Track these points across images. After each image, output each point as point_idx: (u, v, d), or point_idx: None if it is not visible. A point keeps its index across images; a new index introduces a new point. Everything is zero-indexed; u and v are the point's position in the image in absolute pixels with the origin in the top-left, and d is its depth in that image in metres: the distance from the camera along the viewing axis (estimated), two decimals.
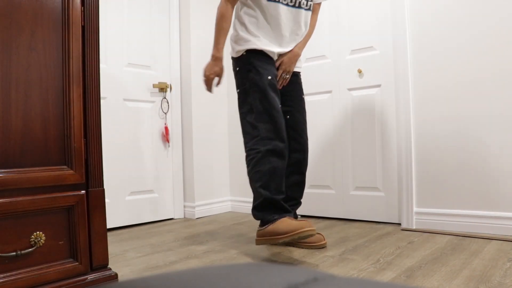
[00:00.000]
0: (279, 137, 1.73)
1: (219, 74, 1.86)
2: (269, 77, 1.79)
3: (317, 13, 2.01)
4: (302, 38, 1.92)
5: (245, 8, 1.84)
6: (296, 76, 1.96)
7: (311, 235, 1.57)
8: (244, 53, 1.83)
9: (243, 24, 1.84)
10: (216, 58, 1.85)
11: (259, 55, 1.83)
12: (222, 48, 1.85)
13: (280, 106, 1.78)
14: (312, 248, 1.85)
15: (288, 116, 1.90)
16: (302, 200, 2.01)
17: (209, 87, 1.88)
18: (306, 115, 1.96)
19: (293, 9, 1.84)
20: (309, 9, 1.88)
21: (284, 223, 1.62)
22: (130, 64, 2.62)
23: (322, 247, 1.87)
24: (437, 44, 2.16)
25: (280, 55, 1.88)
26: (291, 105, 1.92)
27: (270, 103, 1.74)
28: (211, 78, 1.85)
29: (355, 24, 2.50)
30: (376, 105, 2.42)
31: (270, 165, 1.71)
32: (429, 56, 2.19)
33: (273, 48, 1.84)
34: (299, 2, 1.84)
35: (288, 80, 1.91)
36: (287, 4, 1.82)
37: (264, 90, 1.76)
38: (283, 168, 1.74)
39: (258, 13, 1.83)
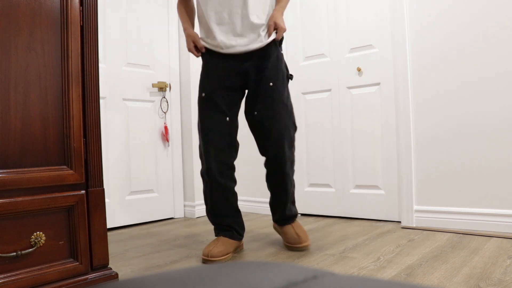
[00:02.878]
0: (205, 160, 1.71)
1: (192, 43, 1.77)
2: (203, 94, 1.71)
3: None
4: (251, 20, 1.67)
5: None
6: (262, 59, 1.70)
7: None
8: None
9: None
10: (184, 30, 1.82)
11: (205, 55, 1.76)
12: (183, 23, 1.81)
13: (222, 119, 1.69)
14: (292, 250, 1.82)
15: (256, 112, 1.71)
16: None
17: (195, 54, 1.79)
18: (278, 103, 1.69)
19: None
20: None
21: (208, 245, 1.71)
22: (129, 64, 2.62)
23: (300, 249, 1.80)
24: (436, 41, 2.16)
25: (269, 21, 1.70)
26: (257, 99, 1.71)
27: (203, 123, 1.70)
28: (191, 50, 1.78)
29: (354, 22, 2.49)
30: (375, 103, 2.42)
31: (203, 187, 1.79)
32: (429, 54, 2.19)
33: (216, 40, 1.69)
34: None
35: (281, 33, 1.71)
36: None
37: (199, 110, 1.73)
38: (213, 189, 1.72)
39: None
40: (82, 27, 1.27)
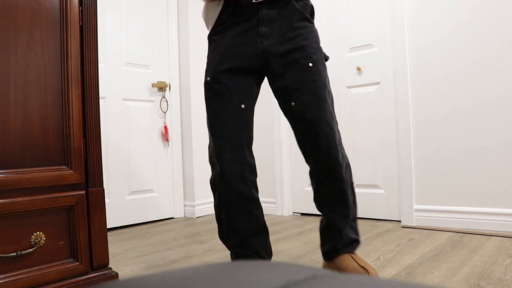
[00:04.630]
0: (218, 163, 1.27)
1: None
2: (208, 78, 1.31)
3: None
4: None
5: None
6: (288, 31, 1.28)
7: None
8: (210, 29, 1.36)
9: None
10: None
11: (215, 28, 1.33)
12: None
13: (235, 106, 1.27)
14: None
15: (293, 103, 1.27)
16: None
17: None
18: (323, 88, 1.27)
19: None
20: None
21: None
22: (129, 64, 2.62)
23: None
24: (436, 40, 2.16)
25: None
26: (293, 85, 1.27)
27: (212, 115, 1.30)
28: None
29: (354, 21, 2.49)
30: (375, 102, 2.41)
31: (215, 201, 1.34)
32: (428, 53, 2.19)
33: None
34: None
35: None
36: None
37: (206, 99, 1.33)
38: (230, 200, 1.27)
39: None
40: (81, 27, 1.27)
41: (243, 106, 1.28)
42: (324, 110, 1.25)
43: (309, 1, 1.34)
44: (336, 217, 1.32)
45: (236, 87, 1.28)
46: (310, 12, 1.34)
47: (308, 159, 1.32)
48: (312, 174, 1.34)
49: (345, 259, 1.30)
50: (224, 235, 1.33)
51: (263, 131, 2.81)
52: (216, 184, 1.30)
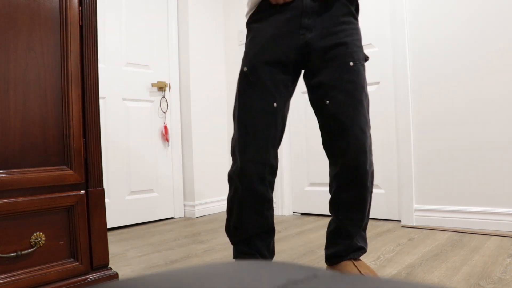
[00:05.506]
0: (240, 158, 1.24)
1: None
2: (245, 69, 1.26)
3: None
4: None
5: None
6: (331, 25, 1.23)
7: None
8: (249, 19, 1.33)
9: None
10: None
11: (255, 15, 1.29)
12: None
13: (268, 103, 1.23)
14: None
15: (328, 101, 1.22)
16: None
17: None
18: (361, 90, 1.23)
19: None
20: None
21: None
22: (129, 64, 2.62)
23: None
24: (436, 40, 2.16)
25: None
26: (330, 82, 1.22)
27: (242, 108, 1.26)
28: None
29: None
30: (375, 102, 2.41)
31: (230, 193, 1.31)
32: (428, 53, 2.19)
33: None
34: None
35: None
36: None
37: (238, 90, 1.29)
38: (245, 197, 1.25)
39: None
40: (81, 27, 1.27)
41: (275, 104, 1.23)
42: (358, 113, 1.21)
43: None
44: (350, 224, 1.28)
45: (272, 84, 1.23)
46: (355, 8, 1.29)
47: (333, 162, 1.28)
48: (334, 177, 1.29)
49: (347, 266, 1.28)
50: (231, 230, 1.30)
51: None
52: (233, 178, 1.27)
